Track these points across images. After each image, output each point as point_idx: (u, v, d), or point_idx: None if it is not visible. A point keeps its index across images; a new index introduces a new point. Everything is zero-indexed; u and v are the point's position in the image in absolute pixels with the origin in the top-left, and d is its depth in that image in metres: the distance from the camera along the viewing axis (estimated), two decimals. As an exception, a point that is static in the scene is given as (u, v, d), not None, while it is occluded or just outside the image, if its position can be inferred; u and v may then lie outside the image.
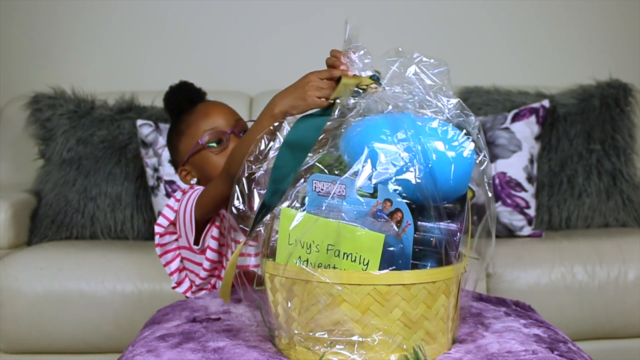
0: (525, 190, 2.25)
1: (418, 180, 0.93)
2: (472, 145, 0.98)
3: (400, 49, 1.06)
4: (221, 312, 1.20)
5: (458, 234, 0.96)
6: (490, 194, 1.02)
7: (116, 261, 2.00)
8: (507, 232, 2.25)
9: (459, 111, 1.01)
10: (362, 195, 0.94)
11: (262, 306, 1.04)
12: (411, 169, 0.93)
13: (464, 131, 0.98)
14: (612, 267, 1.99)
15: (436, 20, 2.87)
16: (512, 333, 1.02)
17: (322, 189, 0.96)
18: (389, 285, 0.90)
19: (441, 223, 0.95)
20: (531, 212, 2.25)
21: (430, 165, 0.94)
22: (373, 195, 0.94)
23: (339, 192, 0.95)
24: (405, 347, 0.92)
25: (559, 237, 2.18)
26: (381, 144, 0.95)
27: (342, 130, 1.01)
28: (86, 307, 1.92)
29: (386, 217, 0.92)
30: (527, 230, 2.25)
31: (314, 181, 0.97)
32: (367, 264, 0.91)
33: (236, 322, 1.13)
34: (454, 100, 1.02)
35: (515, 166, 2.25)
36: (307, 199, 0.97)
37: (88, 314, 1.93)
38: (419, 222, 0.95)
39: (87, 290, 1.93)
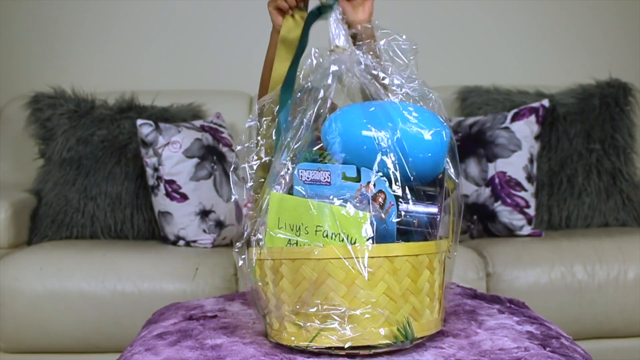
0: (525, 190, 2.25)
1: (393, 162, 0.97)
2: (444, 124, 1.02)
3: (376, 22, 1.11)
4: (217, 310, 1.20)
5: (438, 214, 0.99)
6: (451, 169, 1.04)
7: (116, 261, 2.00)
8: (507, 232, 2.25)
9: (420, 88, 1.06)
10: (346, 179, 0.98)
11: (254, 295, 1.05)
12: (389, 153, 0.97)
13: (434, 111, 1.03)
14: (611, 267, 1.99)
15: (436, 20, 2.88)
16: (505, 330, 1.03)
17: (308, 177, 0.99)
18: (373, 257, 0.92)
19: (421, 204, 0.97)
20: (531, 211, 2.25)
21: (404, 146, 0.98)
22: (356, 179, 0.97)
23: (325, 178, 0.97)
24: (396, 318, 0.94)
25: (558, 237, 2.18)
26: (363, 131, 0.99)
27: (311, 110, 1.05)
28: (86, 307, 1.92)
29: (370, 199, 0.95)
30: (527, 230, 2.24)
31: (300, 170, 1.00)
32: (355, 242, 0.93)
33: (232, 319, 1.14)
34: (418, 80, 1.08)
35: (515, 165, 2.25)
36: (293, 187, 1.00)
37: (88, 313, 1.92)
38: (399, 205, 0.98)
39: (87, 290, 1.93)
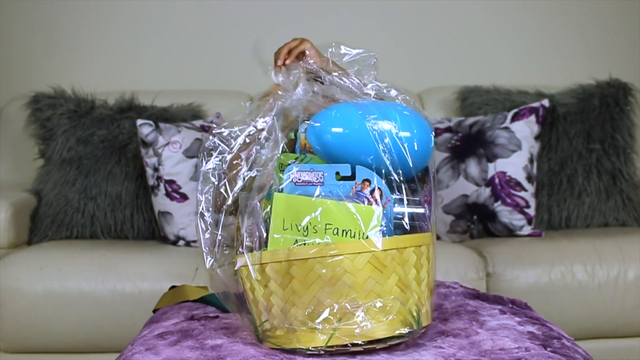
0: (525, 190, 2.25)
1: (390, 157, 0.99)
2: (430, 123, 1.05)
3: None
4: (219, 310, 1.20)
5: (427, 206, 1.02)
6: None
7: (116, 261, 2.00)
8: (507, 232, 2.25)
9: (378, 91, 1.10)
10: (340, 179, 0.98)
11: (244, 305, 1.04)
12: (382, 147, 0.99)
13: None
14: (611, 267, 1.99)
15: (436, 20, 2.88)
16: (506, 330, 1.03)
17: (299, 179, 0.98)
18: (386, 250, 0.93)
19: (410, 198, 1.00)
20: (531, 211, 2.25)
21: (398, 143, 1.00)
22: (351, 177, 0.98)
23: (318, 179, 0.97)
24: (407, 308, 0.96)
25: (558, 237, 2.18)
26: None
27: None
28: (86, 307, 1.92)
29: (367, 196, 0.96)
30: (527, 230, 2.24)
31: (290, 172, 0.99)
32: (367, 238, 0.94)
33: (234, 320, 1.14)
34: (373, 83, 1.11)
35: (515, 165, 2.25)
36: (284, 189, 0.99)
37: (88, 313, 1.93)
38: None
39: (87, 290, 1.93)
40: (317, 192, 0.97)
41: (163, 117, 2.37)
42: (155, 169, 2.19)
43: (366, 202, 0.96)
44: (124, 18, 2.81)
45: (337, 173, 0.98)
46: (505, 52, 2.87)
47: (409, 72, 2.78)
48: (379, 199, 0.96)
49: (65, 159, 2.33)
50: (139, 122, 2.20)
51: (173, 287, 1.41)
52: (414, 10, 2.86)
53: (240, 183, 1.04)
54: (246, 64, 2.81)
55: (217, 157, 1.08)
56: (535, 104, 2.33)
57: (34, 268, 1.95)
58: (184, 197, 2.18)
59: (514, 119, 2.30)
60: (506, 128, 2.28)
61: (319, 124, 1.03)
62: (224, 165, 1.07)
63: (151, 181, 2.22)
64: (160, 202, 2.20)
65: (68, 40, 2.81)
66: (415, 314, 0.95)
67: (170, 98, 2.50)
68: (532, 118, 2.30)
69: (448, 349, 0.96)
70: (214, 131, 1.10)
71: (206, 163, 1.08)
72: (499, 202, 2.23)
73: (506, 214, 2.23)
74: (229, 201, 1.04)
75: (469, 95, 2.53)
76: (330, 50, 1.16)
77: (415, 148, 1.01)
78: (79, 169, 2.32)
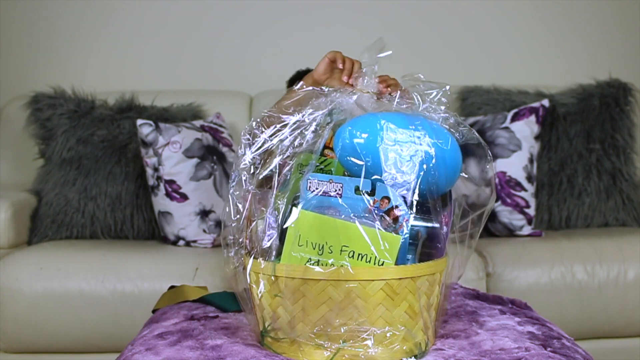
0: (525, 190, 2.25)
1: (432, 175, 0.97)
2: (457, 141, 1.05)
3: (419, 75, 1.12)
4: (219, 310, 1.20)
5: (445, 227, 0.99)
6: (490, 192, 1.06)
7: (116, 261, 2.00)
8: (507, 232, 2.25)
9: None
10: (358, 194, 0.96)
11: (252, 309, 1.04)
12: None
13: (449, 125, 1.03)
14: (612, 267, 1.99)
15: (436, 20, 2.87)
16: (506, 330, 1.03)
17: (317, 188, 0.96)
18: (399, 279, 0.92)
19: (432, 217, 0.97)
20: (531, 211, 2.25)
21: (432, 162, 0.97)
22: (370, 193, 0.95)
23: (336, 191, 0.95)
24: (412, 335, 0.95)
25: (558, 237, 2.18)
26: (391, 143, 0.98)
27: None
28: (86, 307, 1.92)
29: (383, 215, 0.93)
30: (527, 230, 2.24)
31: (309, 180, 0.97)
32: (382, 264, 0.92)
33: (233, 320, 1.14)
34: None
35: (515, 166, 2.25)
36: (300, 198, 0.97)
37: (88, 313, 1.92)
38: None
39: (87, 290, 1.93)
40: (343, 215, 0.94)
41: (163, 117, 2.37)
42: (155, 169, 2.19)
43: (382, 221, 0.94)
44: (124, 18, 2.81)
45: (357, 187, 0.96)
46: (505, 52, 2.87)
47: (409, 72, 2.77)
48: (397, 218, 0.94)
49: (65, 159, 2.33)
50: (139, 122, 2.20)
51: (172, 287, 1.41)
52: (414, 10, 2.86)
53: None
54: (246, 64, 2.84)
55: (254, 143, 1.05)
56: (535, 104, 2.33)
57: (34, 268, 1.94)
58: (184, 197, 2.18)
59: (514, 119, 2.29)
60: (506, 128, 2.28)
61: (348, 134, 0.99)
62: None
63: (151, 181, 2.22)
64: (160, 202, 2.20)
65: (68, 40, 2.81)
66: (421, 342, 0.95)
67: (170, 98, 2.50)
68: (532, 118, 2.29)
69: (448, 350, 0.96)
70: (262, 112, 1.07)
71: (244, 150, 1.04)
72: (499, 202, 2.23)
73: (506, 214, 2.23)
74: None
75: (469, 95, 2.53)
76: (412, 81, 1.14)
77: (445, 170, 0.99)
78: (79, 169, 2.32)
